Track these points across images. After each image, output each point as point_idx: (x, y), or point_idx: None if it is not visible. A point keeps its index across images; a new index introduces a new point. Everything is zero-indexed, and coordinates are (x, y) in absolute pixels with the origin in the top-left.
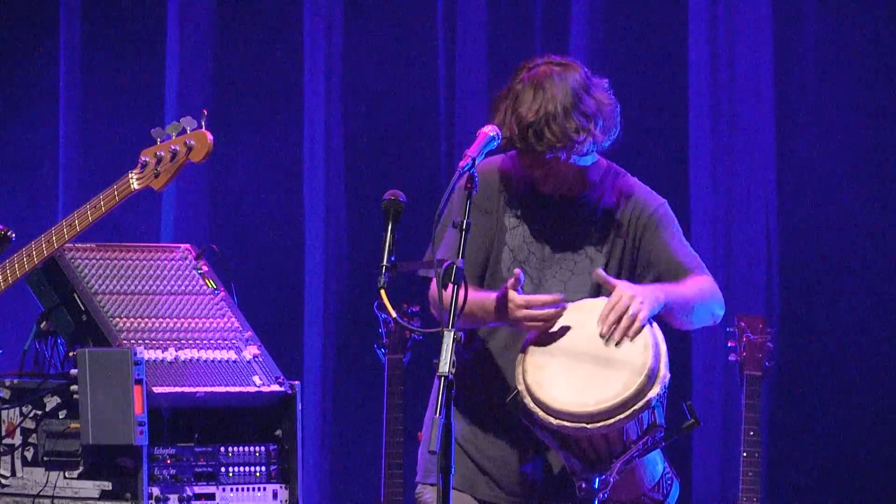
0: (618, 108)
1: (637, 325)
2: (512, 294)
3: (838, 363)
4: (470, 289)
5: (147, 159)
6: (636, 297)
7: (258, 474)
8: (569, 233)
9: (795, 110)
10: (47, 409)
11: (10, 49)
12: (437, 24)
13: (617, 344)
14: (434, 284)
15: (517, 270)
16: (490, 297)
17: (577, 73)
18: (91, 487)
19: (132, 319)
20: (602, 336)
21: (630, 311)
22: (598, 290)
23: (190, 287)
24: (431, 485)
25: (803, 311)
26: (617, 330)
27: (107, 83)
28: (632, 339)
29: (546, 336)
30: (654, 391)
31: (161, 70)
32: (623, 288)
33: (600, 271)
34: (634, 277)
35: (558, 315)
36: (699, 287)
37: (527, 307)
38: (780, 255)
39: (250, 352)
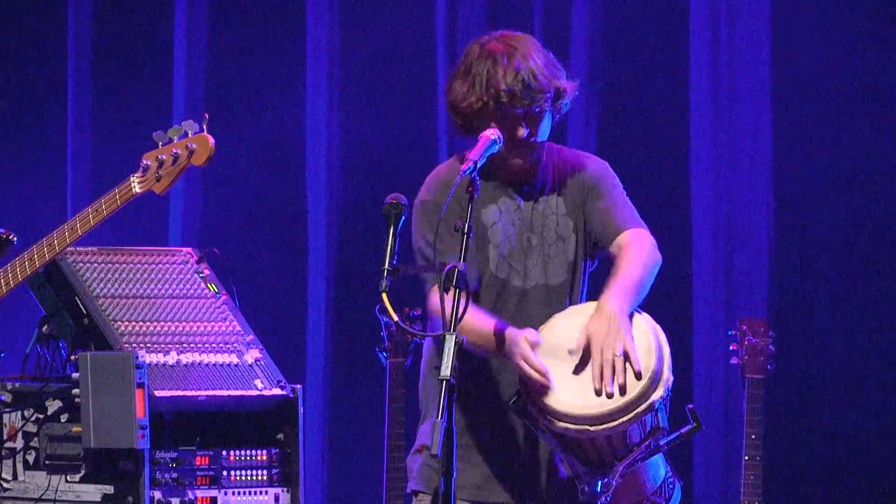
0: (567, 78)
1: (633, 356)
2: (522, 343)
3: (838, 366)
4: (481, 314)
5: (149, 163)
6: (614, 339)
7: (260, 478)
8: (537, 219)
9: (793, 116)
10: (49, 413)
11: (19, 56)
12: (436, 37)
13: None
14: (432, 292)
15: (537, 337)
16: (500, 329)
17: (532, 41)
18: (93, 491)
19: (134, 323)
20: (608, 395)
21: (617, 354)
22: (575, 270)
23: (192, 291)
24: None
25: (803, 313)
26: (617, 378)
27: (115, 88)
28: (637, 368)
29: (549, 339)
30: (658, 394)
31: (169, 73)
32: (595, 337)
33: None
34: (591, 246)
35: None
36: (639, 257)
37: (527, 363)
38: (778, 259)
39: (252, 355)
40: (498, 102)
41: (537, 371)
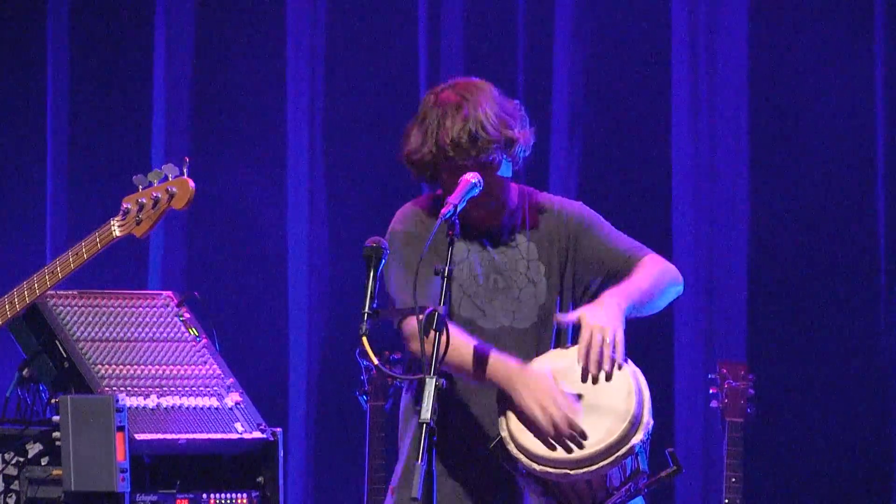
0: (524, 112)
1: (619, 349)
2: (555, 386)
3: (818, 409)
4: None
5: (129, 206)
6: (605, 325)
7: None
8: (507, 263)
9: (770, 162)
10: (30, 456)
11: None
12: (419, 55)
13: (607, 378)
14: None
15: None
16: (508, 361)
17: (489, 85)
18: None
19: (114, 366)
20: (593, 376)
21: (607, 340)
22: (546, 315)
23: (172, 334)
24: None
25: (782, 357)
26: (604, 363)
27: (94, 129)
28: (619, 366)
29: None
30: (638, 437)
31: (148, 113)
32: (589, 321)
33: (559, 317)
34: (581, 286)
35: (570, 440)
36: (651, 272)
37: (556, 407)
38: (757, 302)
39: (232, 399)
40: (445, 154)
41: (571, 427)
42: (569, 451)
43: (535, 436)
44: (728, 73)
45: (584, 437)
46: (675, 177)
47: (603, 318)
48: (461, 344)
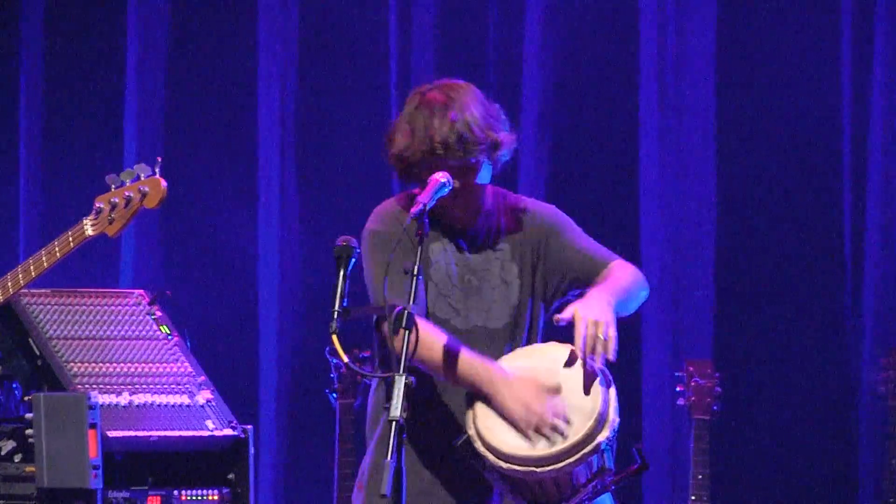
0: (508, 128)
1: (612, 344)
2: (543, 393)
3: (783, 406)
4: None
5: (102, 206)
6: (599, 319)
7: None
8: (481, 264)
9: (738, 160)
10: (3, 453)
11: None
12: (390, 56)
13: (568, 390)
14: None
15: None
16: (491, 366)
17: (473, 87)
18: None
19: (87, 364)
20: (592, 371)
21: (601, 335)
22: (519, 315)
23: (144, 332)
24: None
25: (748, 354)
26: (598, 357)
27: (66, 125)
28: (613, 357)
29: None
30: (604, 435)
31: (120, 114)
32: (582, 314)
33: (557, 317)
34: (552, 288)
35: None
36: (625, 276)
37: (544, 413)
38: (724, 301)
39: (203, 396)
40: (433, 153)
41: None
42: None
43: (506, 432)
44: (695, 71)
45: (565, 430)
46: (643, 175)
47: (597, 312)
48: (434, 341)
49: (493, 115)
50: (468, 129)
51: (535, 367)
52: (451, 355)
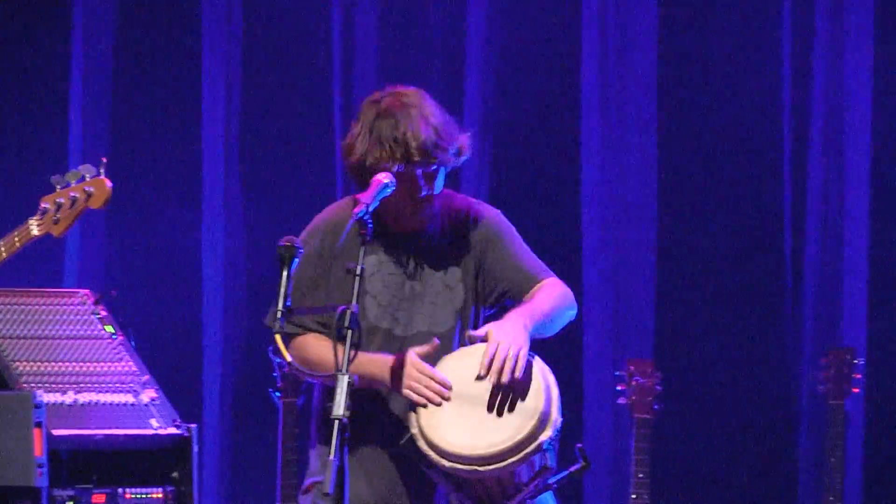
0: (461, 130)
1: (520, 364)
2: (415, 358)
3: (723, 405)
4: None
5: (47, 206)
6: (510, 342)
7: None
8: (424, 267)
9: (678, 163)
10: None
11: None
12: (333, 68)
13: (510, 389)
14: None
15: (434, 340)
16: (382, 357)
17: (424, 94)
18: None
19: (32, 363)
20: (494, 386)
21: (510, 354)
22: (462, 318)
23: (89, 332)
24: None
25: (688, 354)
26: (503, 376)
27: (11, 126)
28: (521, 376)
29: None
30: (546, 435)
31: (65, 115)
32: (495, 335)
33: (470, 333)
34: (491, 294)
35: (440, 397)
36: (552, 296)
37: (419, 371)
38: (664, 301)
39: (148, 395)
40: (408, 161)
41: (437, 382)
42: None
43: (450, 431)
44: (637, 75)
45: (485, 431)
46: (584, 177)
47: (510, 334)
48: (323, 357)
49: (451, 121)
50: (439, 135)
51: (475, 364)
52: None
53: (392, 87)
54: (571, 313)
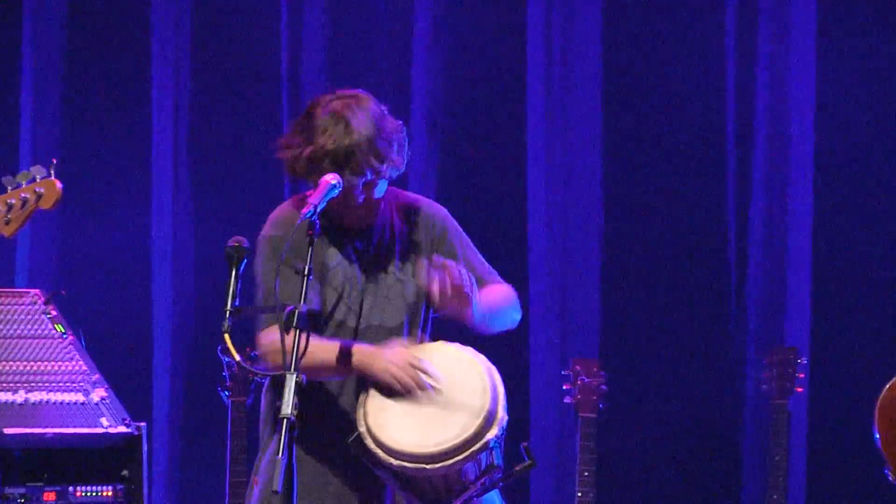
0: (405, 133)
1: (468, 288)
2: (413, 356)
3: (667, 405)
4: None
5: None
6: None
7: None
8: (377, 263)
9: (623, 166)
10: None
11: None
12: (281, 68)
13: (456, 389)
14: (266, 332)
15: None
16: (364, 345)
17: (370, 102)
18: None
19: None
20: (441, 386)
21: (465, 284)
22: (415, 313)
23: (39, 331)
24: None
25: (633, 354)
26: (460, 288)
27: None
28: (467, 301)
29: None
30: (492, 433)
31: (16, 115)
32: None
33: (421, 281)
34: None
35: (424, 386)
36: (500, 295)
37: (415, 366)
38: (609, 302)
39: (98, 394)
40: (339, 167)
41: (426, 376)
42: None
43: (397, 429)
44: (582, 76)
45: (432, 429)
46: (530, 176)
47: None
48: (321, 345)
49: (394, 129)
50: (379, 144)
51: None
52: (327, 351)
53: (339, 91)
54: (515, 316)
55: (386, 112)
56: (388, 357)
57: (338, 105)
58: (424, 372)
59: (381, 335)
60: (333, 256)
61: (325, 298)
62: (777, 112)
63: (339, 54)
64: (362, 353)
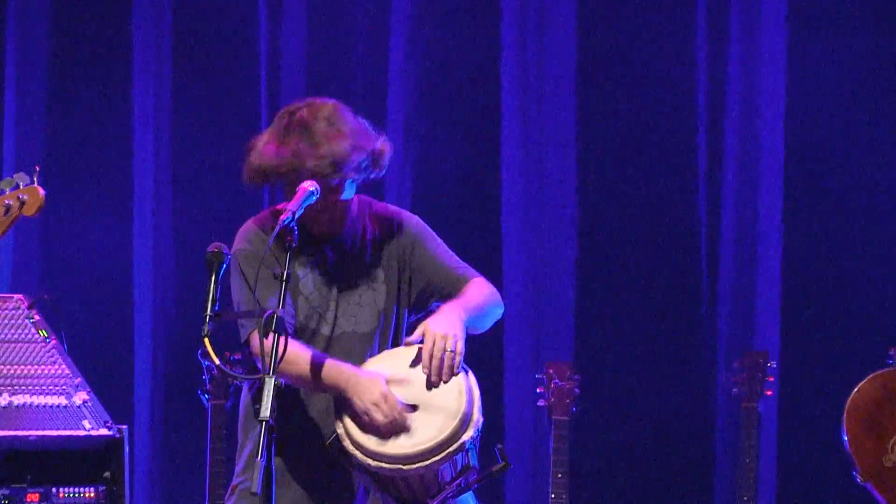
0: (382, 140)
1: (458, 357)
2: (382, 381)
3: (641, 407)
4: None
5: None
6: (447, 333)
7: None
8: (348, 270)
9: (597, 168)
10: None
11: None
12: (260, 78)
13: (444, 382)
14: (255, 336)
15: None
16: (344, 367)
17: (343, 110)
18: None
19: None
20: (433, 382)
21: (449, 347)
22: (386, 320)
23: (23, 335)
24: None
25: (606, 357)
26: (444, 371)
27: None
28: (457, 371)
29: None
30: (468, 434)
31: (0, 119)
32: (433, 330)
33: (407, 339)
34: (416, 294)
35: (396, 424)
36: (481, 293)
37: (386, 403)
38: (582, 305)
39: (80, 397)
40: (300, 177)
41: (396, 412)
42: (399, 445)
43: (369, 432)
44: (556, 81)
45: (409, 431)
46: (505, 182)
47: (445, 326)
48: (299, 356)
49: (361, 134)
50: (336, 158)
51: (402, 368)
52: (310, 365)
53: (310, 99)
54: (499, 311)
55: (360, 120)
56: (361, 391)
57: (308, 116)
58: (395, 411)
59: (353, 341)
60: (304, 265)
61: (296, 307)
62: (748, 122)
63: (317, 62)
64: (336, 377)
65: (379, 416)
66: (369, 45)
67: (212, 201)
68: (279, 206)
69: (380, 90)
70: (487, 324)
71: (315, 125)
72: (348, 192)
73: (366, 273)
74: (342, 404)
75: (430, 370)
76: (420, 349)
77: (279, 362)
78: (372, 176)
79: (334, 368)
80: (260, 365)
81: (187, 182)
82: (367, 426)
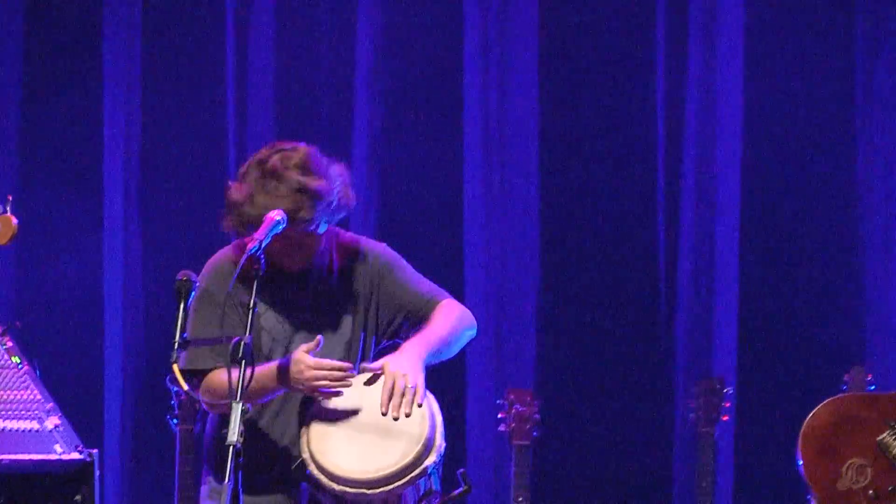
0: (347, 180)
1: (418, 394)
2: (304, 356)
3: (601, 432)
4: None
5: None
6: (406, 372)
7: None
8: (315, 302)
9: (560, 189)
10: None
11: None
12: (227, 89)
13: (406, 416)
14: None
15: (319, 337)
16: (273, 365)
17: (311, 151)
18: None
19: None
20: (394, 418)
21: (408, 385)
22: (350, 349)
23: None
24: None
25: (567, 382)
26: (402, 407)
27: None
28: (420, 405)
29: (329, 406)
30: (431, 459)
31: None
32: (391, 368)
33: (364, 364)
34: (385, 324)
35: (347, 376)
36: (449, 319)
37: (317, 368)
38: (544, 331)
39: (52, 422)
40: (289, 219)
41: (332, 367)
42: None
43: (339, 455)
44: (518, 116)
45: (372, 455)
46: (467, 209)
47: (405, 365)
48: (223, 379)
49: (332, 178)
50: (309, 203)
51: (367, 393)
52: (252, 378)
53: (280, 144)
54: (471, 333)
55: (327, 162)
56: (292, 375)
57: (279, 163)
58: (333, 368)
59: None
60: (272, 298)
61: (260, 341)
62: (705, 145)
63: (284, 89)
64: (266, 377)
65: (325, 382)
66: (334, 71)
67: (181, 231)
68: (246, 240)
69: (345, 117)
70: (457, 348)
71: (287, 173)
72: (321, 230)
73: (332, 306)
74: (308, 428)
75: (387, 409)
76: (382, 376)
77: (246, 388)
78: (343, 214)
79: (261, 373)
80: (202, 397)
81: (157, 212)
82: (334, 449)
